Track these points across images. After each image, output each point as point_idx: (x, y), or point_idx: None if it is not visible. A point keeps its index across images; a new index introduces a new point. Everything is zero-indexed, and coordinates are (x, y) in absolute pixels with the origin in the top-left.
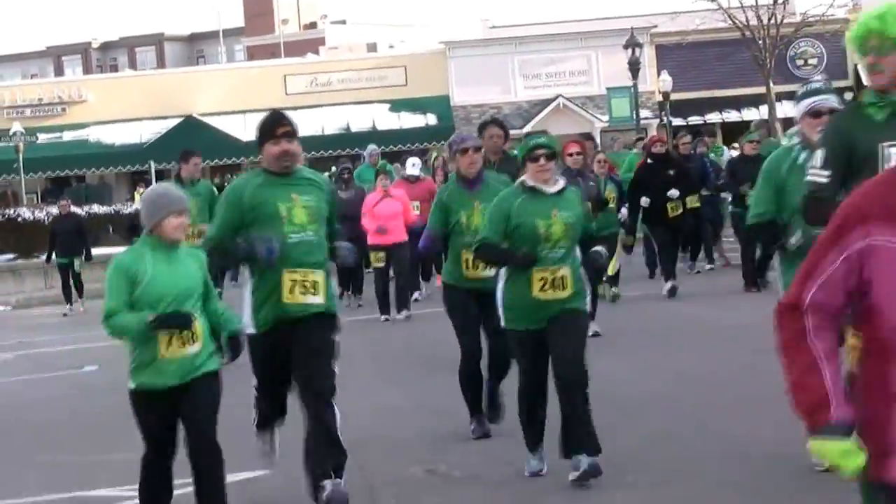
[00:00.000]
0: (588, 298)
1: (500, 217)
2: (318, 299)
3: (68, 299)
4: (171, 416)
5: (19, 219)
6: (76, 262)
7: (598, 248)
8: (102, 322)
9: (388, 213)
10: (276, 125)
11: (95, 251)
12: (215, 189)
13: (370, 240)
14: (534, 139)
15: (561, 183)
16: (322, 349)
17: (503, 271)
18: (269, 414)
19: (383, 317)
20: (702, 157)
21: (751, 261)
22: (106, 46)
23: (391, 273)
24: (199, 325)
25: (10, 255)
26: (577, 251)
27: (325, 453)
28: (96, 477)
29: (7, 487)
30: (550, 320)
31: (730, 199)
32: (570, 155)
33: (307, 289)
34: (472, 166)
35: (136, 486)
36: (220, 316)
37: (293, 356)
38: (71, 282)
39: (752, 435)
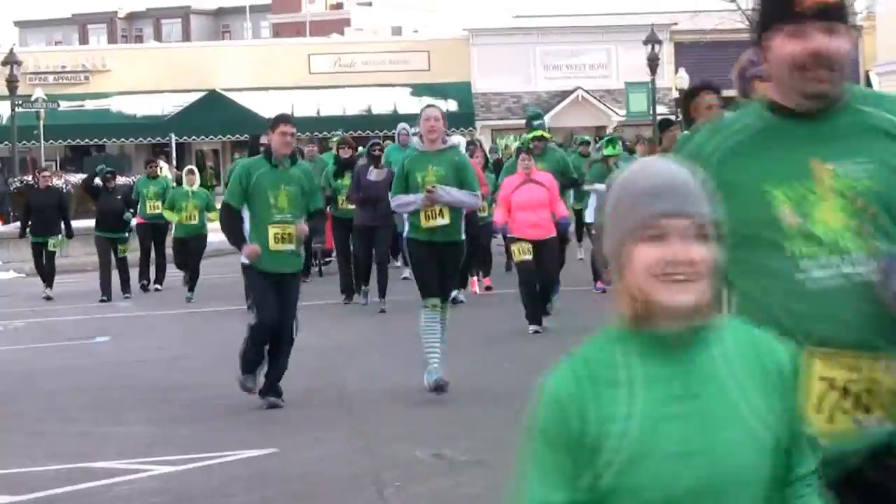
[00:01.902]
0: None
1: None
2: None
3: (45, 280)
4: None
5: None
6: (50, 242)
7: None
8: None
9: (533, 201)
10: None
11: None
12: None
13: (514, 231)
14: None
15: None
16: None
17: None
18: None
19: (532, 327)
20: None
21: None
22: (132, 17)
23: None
24: None
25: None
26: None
27: None
28: (104, 448)
29: (15, 457)
30: None
31: None
32: None
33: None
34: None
35: (143, 460)
36: None
37: None
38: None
39: None
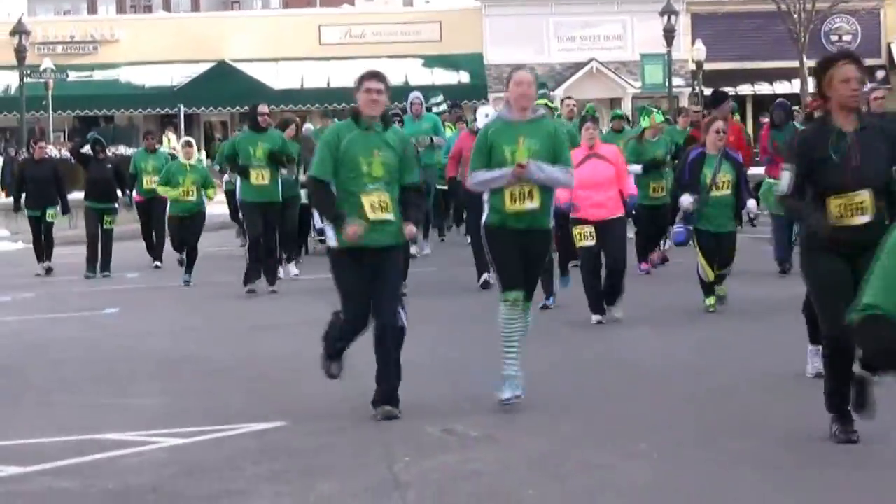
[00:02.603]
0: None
1: None
2: None
3: (40, 257)
4: None
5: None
6: (49, 213)
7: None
8: None
9: (598, 179)
10: None
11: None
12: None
13: (576, 212)
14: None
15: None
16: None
17: None
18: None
19: (595, 318)
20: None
21: None
22: None
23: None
24: None
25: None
26: None
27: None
28: (113, 420)
29: (23, 428)
30: None
31: None
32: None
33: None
34: None
35: (152, 432)
36: None
37: None
38: (42, 236)
39: (771, 409)
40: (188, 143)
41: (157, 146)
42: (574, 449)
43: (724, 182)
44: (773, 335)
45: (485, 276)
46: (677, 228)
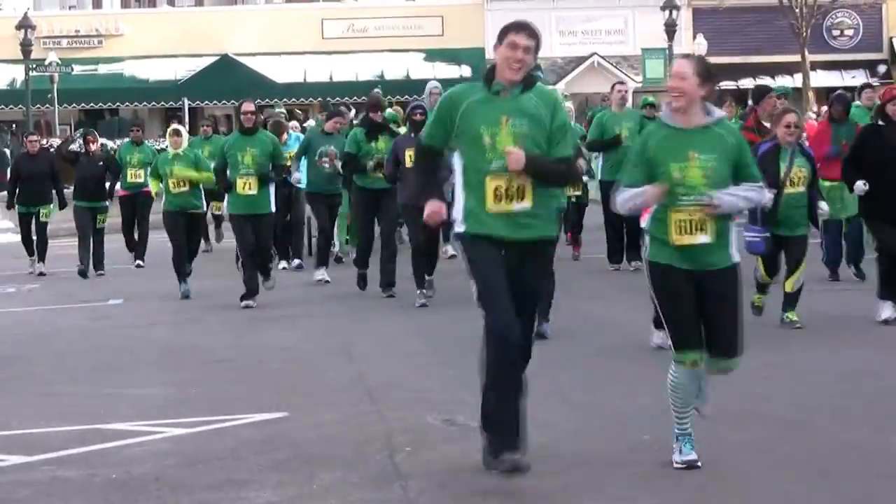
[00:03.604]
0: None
1: None
2: None
3: (31, 253)
4: None
5: (51, 149)
6: (42, 212)
7: None
8: None
9: None
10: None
11: None
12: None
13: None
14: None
15: None
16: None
17: None
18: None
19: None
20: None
21: None
22: None
23: None
24: None
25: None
26: None
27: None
28: (116, 410)
29: (27, 417)
30: None
31: None
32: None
33: None
34: None
35: (156, 422)
36: None
37: None
38: (33, 235)
39: (774, 400)
40: (176, 132)
41: (143, 138)
42: (575, 441)
43: (798, 178)
44: (772, 325)
45: None
46: (752, 235)
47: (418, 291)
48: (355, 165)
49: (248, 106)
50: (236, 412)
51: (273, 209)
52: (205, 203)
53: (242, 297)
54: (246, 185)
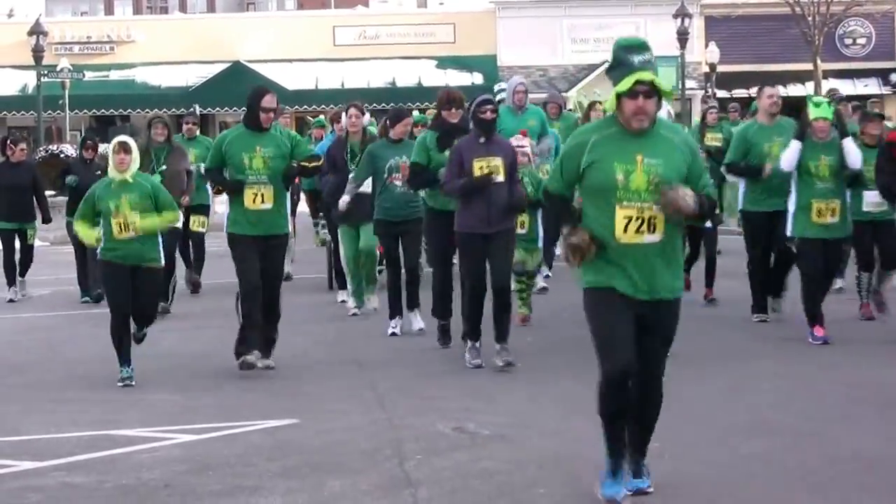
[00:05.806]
0: None
1: None
2: None
3: (11, 280)
4: None
5: (62, 155)
6: (29, 232)
7: None
8: None
9: None
10: None
11: None
12: None
13: None
14: None
15: None
16: None
17: None
18: None
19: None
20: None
21: None
22: None
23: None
24: None
25: (51, 192)
26: None
27: None
28: (126, 416)
29: (38, 423)
30: None
31: None
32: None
33: None
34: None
35: (166, 428)
36: None
37: None
38: (16, 256)
39: (785, 410)
40: (123, 148)
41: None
42: (585, 448)
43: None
44: (782, 335)
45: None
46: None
47: (470, 344)
48: (425, 179)
49: (271, 101)
50: (246, 419)
51: (290, 228)
52: (165, 247)
53: (237, 350)
54: (257, 198)
